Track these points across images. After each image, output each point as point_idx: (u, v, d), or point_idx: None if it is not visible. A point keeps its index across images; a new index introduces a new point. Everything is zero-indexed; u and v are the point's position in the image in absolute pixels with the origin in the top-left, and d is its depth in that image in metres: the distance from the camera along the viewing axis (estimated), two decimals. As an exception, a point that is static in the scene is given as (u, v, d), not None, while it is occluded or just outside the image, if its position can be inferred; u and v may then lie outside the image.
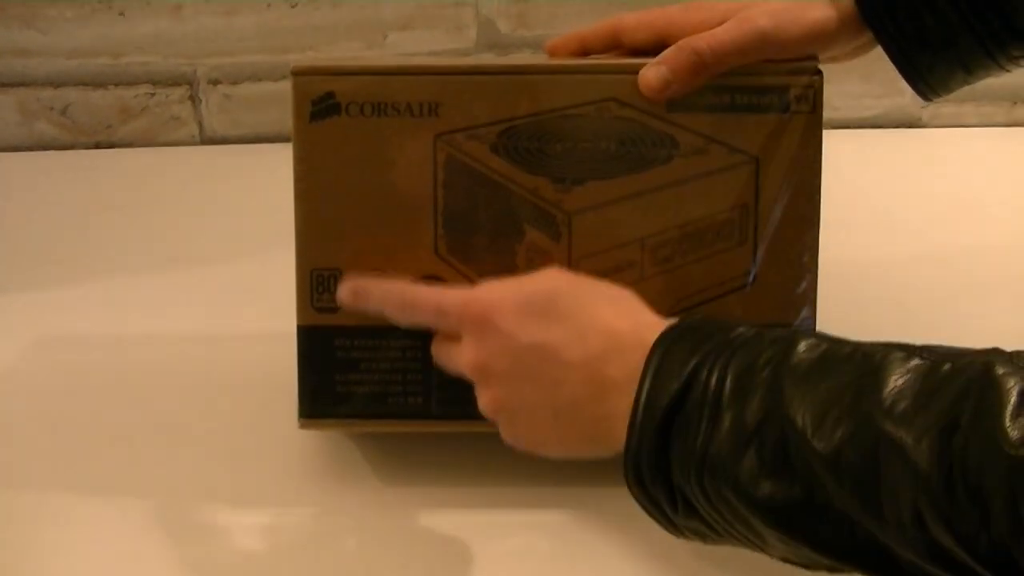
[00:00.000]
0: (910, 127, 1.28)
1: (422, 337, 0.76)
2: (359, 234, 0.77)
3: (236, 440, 0.85)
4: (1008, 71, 0.79)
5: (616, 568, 0.75)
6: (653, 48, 0.78)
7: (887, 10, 0.76)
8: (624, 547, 0.76)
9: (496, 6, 1.19)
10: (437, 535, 0.77)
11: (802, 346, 0.59)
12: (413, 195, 0.76)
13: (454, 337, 0.71)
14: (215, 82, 1.21)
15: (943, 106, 1.25)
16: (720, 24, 0.76)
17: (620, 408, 0.63)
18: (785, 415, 0.57)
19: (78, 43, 1.19)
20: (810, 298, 0.78)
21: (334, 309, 0.77)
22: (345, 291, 0.76)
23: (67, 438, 0.85)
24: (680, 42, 0.76)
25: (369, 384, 0.77)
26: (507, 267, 0.76)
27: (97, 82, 1.21)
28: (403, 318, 0.74)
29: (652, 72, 0.75)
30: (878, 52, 0.79)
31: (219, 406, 0.88)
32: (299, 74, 0.76)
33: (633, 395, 0.62)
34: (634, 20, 0.81)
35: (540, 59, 0.88)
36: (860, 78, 1.22)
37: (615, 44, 0.83)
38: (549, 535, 0.77)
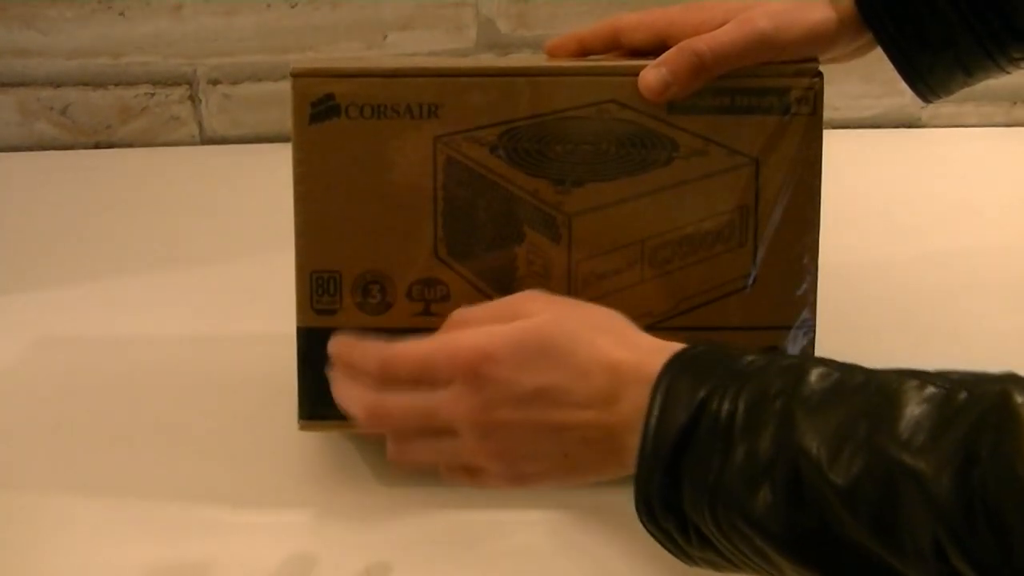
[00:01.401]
0: (910, 127, 1.28)
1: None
2: (359, 236, 0.77)
3: (236, 441, 0.85)
4: (1008, 72, 0.79)
5: (616, 568, 0.75)
6: (653, 49, 0.78)
7: (887, 11, 0.76)
8: (624, 547, 0.76)
9: (496, 6, 1.19)
10: (437, 535, 0.77)
11: (813, 375, 0.59)
12: (413, 197, 0.76)
13: (435, 386, 0.67)
14: (215, 82, 1.22)
15: (943, 106, 1.25)
16: (720, 26, 0.76)
17: (631, 443, 0.62)
18: (799, 447, 0.56)
19: (78, 43, 1.19)
20: (810, 300, 0.77)
21: (333, 311, 0.77)
22: (332, 352, 0.72)
23: (67, 438, 0.86)
24: (680, 44, 0.75)
25: None
26: (507, 269, 0.76)
27: (97, 82, 1.21)
28: (383, 380, 0.69)
29: (652, 74, 0.75)
30: (878, 53, 0.79)
31: (219, 407, 0.88)
32: (299, 76, 0.76)
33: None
34: (634, 21, 0.81)
35: (540, 60, 0.88)
36: (860, 78, 1.23)
37: (614, 45, 0.83)
38: (549, 535, 0.77)
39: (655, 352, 0.63)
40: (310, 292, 0.77)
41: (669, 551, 0.63)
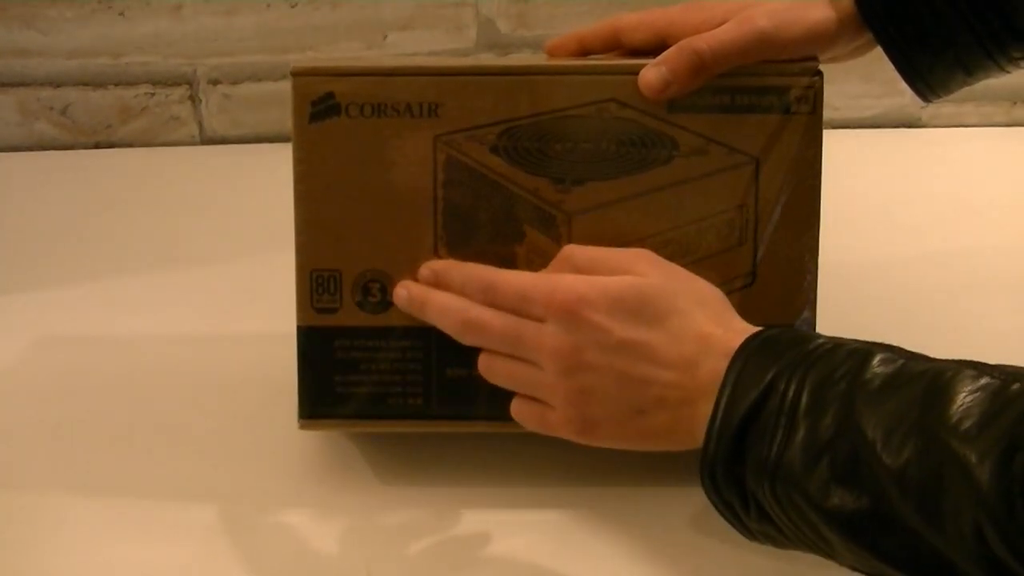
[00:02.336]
0: (910, 127, 1.28)
1: (422, 338, 0.76)
2: (359, 235, 0.77)
3: (236, 440, 0.85)
4: (1008, 72, 0.79)
5: (616, 568, 0.75)
6: (653, 49, 0.78)
7: (886, 11, 0.76)
8: (624, 547, 0.76)
9: (496, 6, 1.19)
10: (437, 535, 0.77)
11: (876, 360, 0.61)
12: (413, 195, 0.76)
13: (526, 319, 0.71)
14: (215, 82, 1.22)
15: (943, 106, 1.25)
16: (720, 25, 0.76)
17: (704, 411, 0.64)
18: (857, 429, 0.58)
19: (78, 43, 1.19)
20: (810, 299, 0.78)
21: (334, 310, 0.77)
22: (426, 273, 0.76)
23: (67, 438, 0.85)
24: (680, 42, 0.76)
25: (369, 385, 0.77)
26: (507, 268, 0.76)
27: (97, 82, 1.21)
28: (483, 301, 0.73)
29: (652, 72, 0.75)
30: (878, 52, 0.79)
31: (219, 406, 0.88)
32: (299, 75, 0.76)
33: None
34: (634, 20, 0.81)
35: (540, 59, 0.88)
36: (860, 78, 1.22)
37: (615, 44, 0.83)
38: (549, 535, 0.77)
39: (741, 331, 0.67)
40: (310, 291, 0.77)
41: (729, 522, 0.66)
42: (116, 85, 1.21)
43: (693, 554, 0.75)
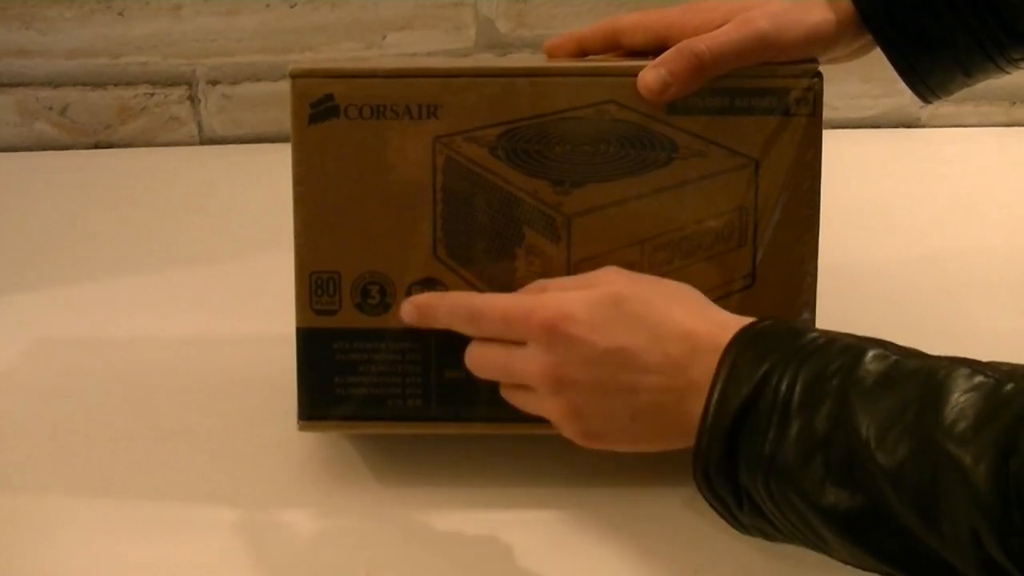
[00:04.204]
0: (909, 127, 1.28)
1: (421, 339, 0.76)
2: (358, 237, 0.77)
3: (235, 441, 0.85)
4: (1008, 73, 0.79)
5: (616, 568, 0.75)
6: (652, 50, 0.78)
7: (886, 13, 0.76)
8: (624, 547, 0.76)
9: (495, 6, 1.19)
10: (436, 536, 0.77)
11: (869, 357, 0.60)
12: (412, 197, 0.76)
13: (516, 343, 0.72)
14: (214, 82, 1.22)
15: (942, 106, 1.25)
16: (719, 26, 0.76)
17: (696, 409, 0.64)
18: (851, 427, 0.58)
19: (77, 43, 1.19)
20: (810, 300, 0.78)
21: (333, 311, 0.77)
22: (408, 308, 0.76)
23: (67, 439, 0.85)
24: (679, 44, 0.75)
25: (368, 386, 0.77)
26: (506, 270, 0.76)
27: (96, 82, 1.21)
28: (470, 330, 0.74)
29: (651, 74, 0.75)
30: (878, 53, 0.79)
31: (218, 407, 0.88)
32: (298, 76, 0.77)
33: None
34: (633, 21, 0.81)
35: (539, 61, 0.88)
36: (860, 78, 1.22)
37: (614, 45, 0.83)
38: (548, 535, 0.77)
39: (728, 325, 0.66)
40: (309, 293, 0.77)
41: (722, 517, 0.66)
42: (115, 85, 1.21)
43: (693, 554, 0.75)
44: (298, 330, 0.78)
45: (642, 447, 0.71)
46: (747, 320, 0.67)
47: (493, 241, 0.76)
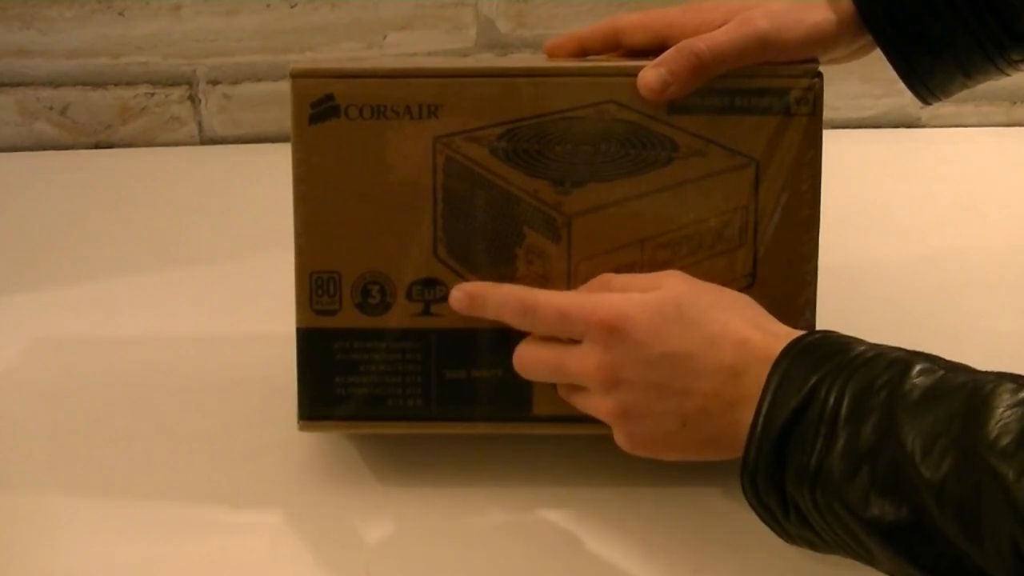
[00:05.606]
0: (909, 127, 1.28)
1: (421, 339, 0.76)
2: (358, 236, 0.77)
3: (235, 441, 0.85)
4: (1008, 75, 0.79)
5: (616, 568, 0.75)
6: (652, 50, 0.78)
7: (886, 13, 0.76)
8: (624, 547, 0.76)
9: (496, 6, 1.19)
10: (436, 536, 0.77)
11: (916, 371, 0.60)
12: (412, 197, 0.76)
13: (565, 341, 0.72)
14: (215, 82, 1.21)
15: (943, 106, 1.25)
16: (719, 26, 0.76)
17: (747, 418, 0.64)
18: (897, 440, 0.58)
19: (78, 43, 1.19)
20: (810, 301, 0.78)
21: (333, 311, 0.77)
22: (459, 295, 0.76)
23: (67, 438, 0.85)
24: (679, 44, 0.75)
25: (368, 386, 0.77)
26: (506, 270, 0.76)
27: (97, 82, 1.21)
28: (522, 323, 0.74)
29: (651, 74, 0.75)
30: (878, 53, 0.79)
31: (219, 407, 0.88)
32: (298, 76, 0.76)
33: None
34: (633, 21, 0.81)
35: (539, 60, 0.88)
36: (860, 78, 1.22)
37: (614, 45, 0.83)
38: (548, 535, 0.77)
39: (781, 335, 0.67)
40: (309, 292, 0.77)
41: (769, 527, 0.66)
42: (116, 85, 1.21)
43: (693, 554, 0.75)
44: (298, 330, 0.77)
45: (690, 456, 0.71)
46: (799, 332, 0.67)
47: (493, 241, 0.76)
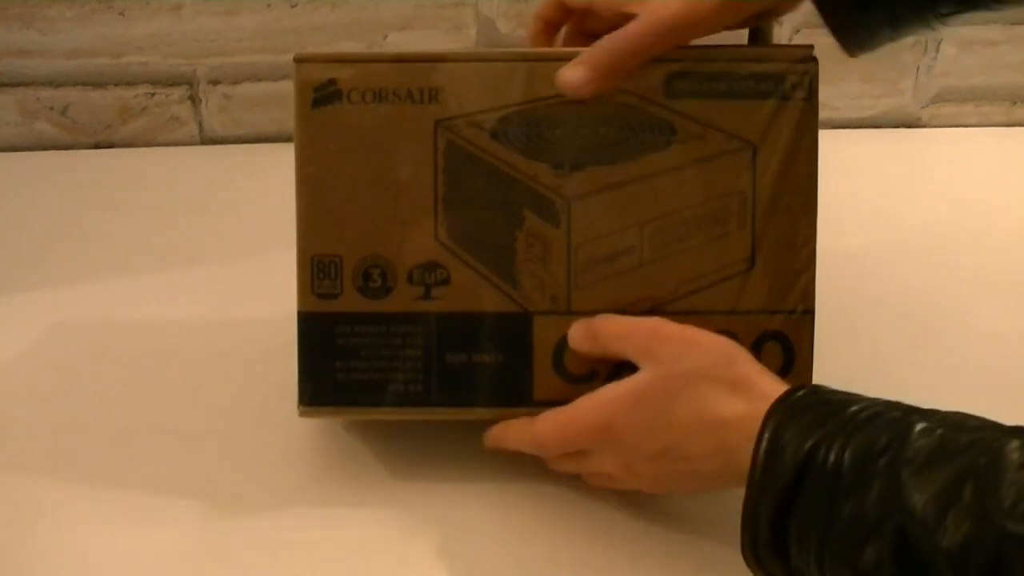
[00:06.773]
0: (909, 127, 1.28)
1: (422, 323, 0.76)
2: (360, 220, 0.77)
3: (236, 429, 0.85)
4: (934, 29, 0.77)
5: (616, 568, 0.75)
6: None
7: None
8: (624, 547, 0.76)
9: (496, 6, 1.19)
10: (441, 530, 0.77)
11: (917, 431, 0.60)
12: (414, 181, 0.76)
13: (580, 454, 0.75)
14: (215, 82, 1.22)
15: (943, 106, 1.26)
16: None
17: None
18: (905, 508, 0.57)
19: (78, 43, 1.19)
20: (809, 284, 0.77)
21: (334, 295, 0.77)
22: (487, 443, 0.79)
23: (67, 437, 0.85)
24: (598, 41, 0.75)
25: (369, 371, 0.77)
26: (507, 253, 0.76)
27: (97, 82, 1.21)
28: (542, 456, 0.77)
29: (570, 73, 0.75)
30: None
31: (219, 402, 0.88)
32: (302, 61, 0.77)
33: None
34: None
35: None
36: (859, 78, 1.22)
37: (564, 9, 0.83)
38: (549, 535, 0.77)
39: (763, 400, 0.66)
40: (311, 276, 0.77)
41: None
42: (116, 85, 1.21)
43: (693, 554, 0.75)
44: (299, 314, 0.77)
45: (709, 490, 0.74)
46: (779, 390, 0.67)
47: (494, 224, 0.76)
